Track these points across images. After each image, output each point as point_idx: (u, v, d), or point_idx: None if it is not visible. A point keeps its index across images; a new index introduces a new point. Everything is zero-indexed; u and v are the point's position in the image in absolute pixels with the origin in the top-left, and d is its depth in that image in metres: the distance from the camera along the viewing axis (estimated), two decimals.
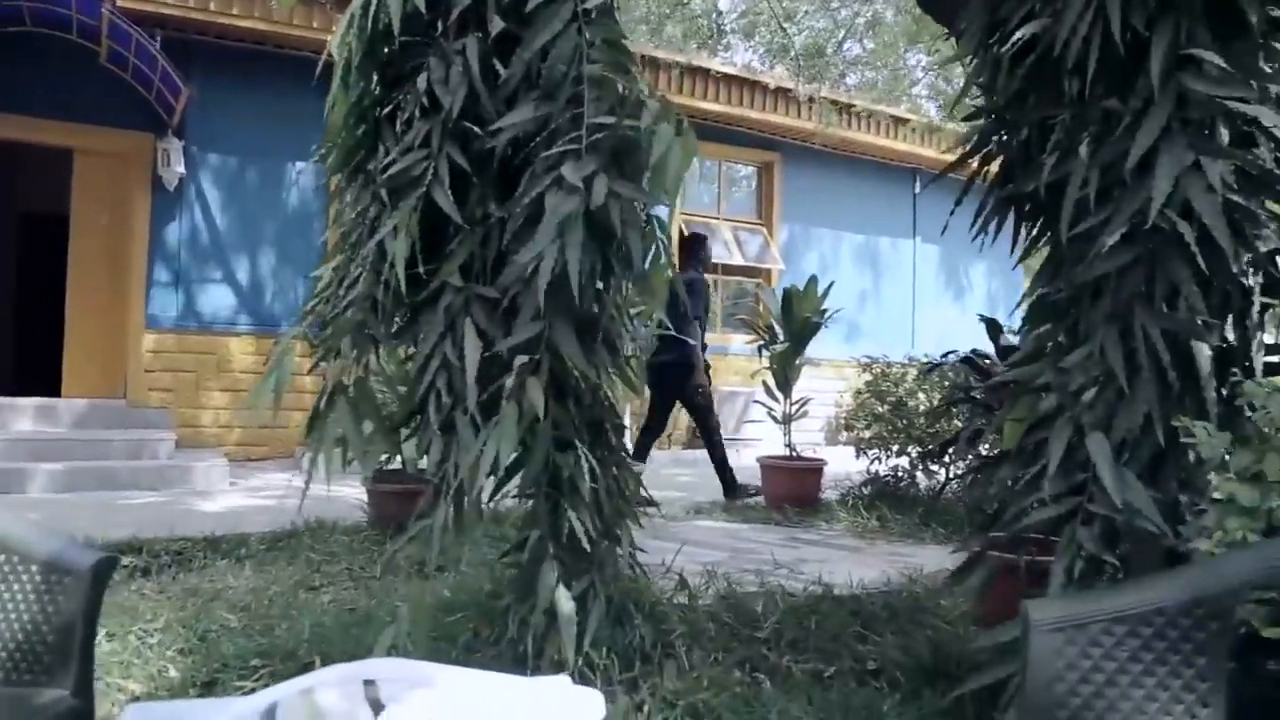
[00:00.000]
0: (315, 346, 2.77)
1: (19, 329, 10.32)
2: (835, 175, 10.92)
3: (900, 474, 5.71)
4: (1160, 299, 2.11)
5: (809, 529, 5.21)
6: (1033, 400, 2.40)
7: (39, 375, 8.26)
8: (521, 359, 2.45)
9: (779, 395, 5.69)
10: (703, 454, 9.80)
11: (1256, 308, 2.14)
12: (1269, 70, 2.09)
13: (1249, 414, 1.91)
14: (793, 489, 5.53)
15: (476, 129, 2.56)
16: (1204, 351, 2.08)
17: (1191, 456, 2.04)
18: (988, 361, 3.40)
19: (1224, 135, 2.09)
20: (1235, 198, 2.04)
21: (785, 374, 5.58)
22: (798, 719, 2.52)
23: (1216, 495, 1.81)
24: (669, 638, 2.92)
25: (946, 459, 4.81)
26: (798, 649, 3.08)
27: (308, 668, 2.78)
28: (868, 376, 6.00)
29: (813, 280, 5.52)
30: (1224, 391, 2.03)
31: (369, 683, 1.30)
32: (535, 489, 2.67)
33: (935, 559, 4.48)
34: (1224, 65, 1.98)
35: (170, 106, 7.53)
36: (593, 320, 2.60)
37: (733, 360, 10.71)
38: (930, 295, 12.62)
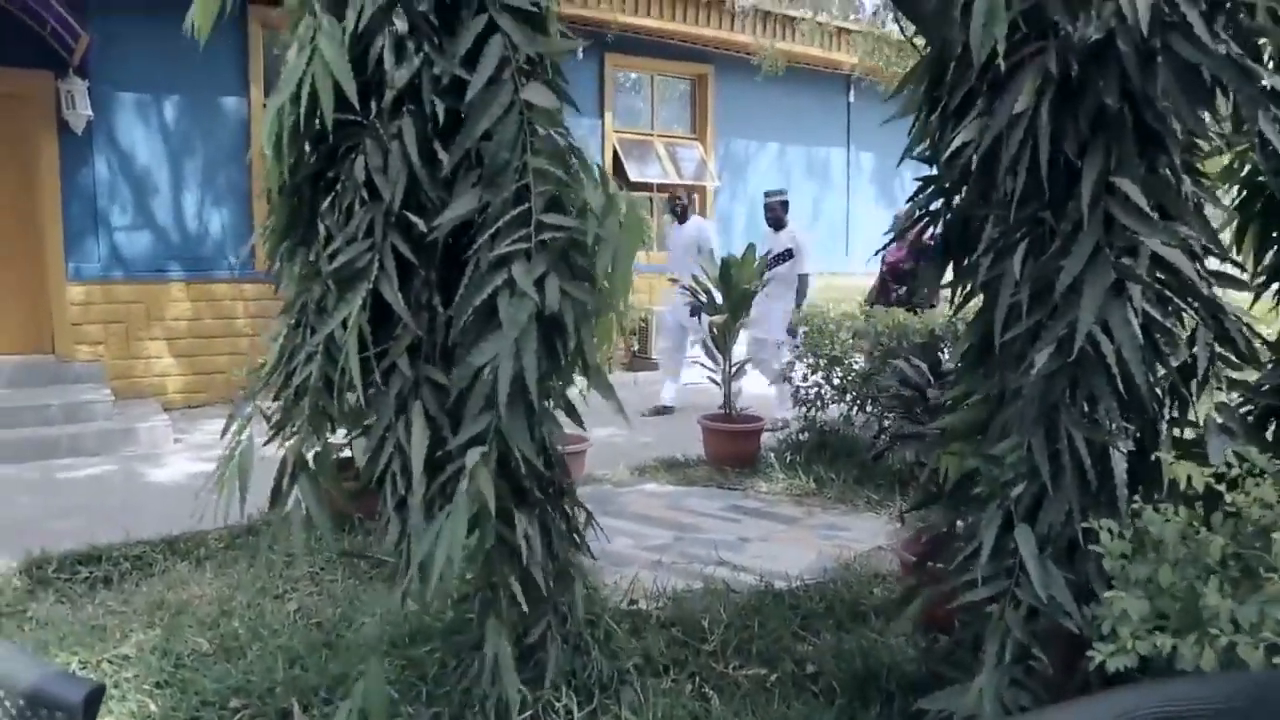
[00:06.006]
0: (270, 421, 2.78)
1: None
2: (768, 86, 10.76)
3: (836, 425, 5.95)
4: (1081, 401, 2.26)
5: (749, 494, 5.44)
6: (968, 446, 2.58)
7: None
8: (474, 452, 2.48)
9: (719, 357, 5.82)
10: (643, 375, 10.02)
11: (1166, 415, 2.30)
12: (1190, 194, 2.18)
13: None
14: (733, 450, 5.73)
15: (418, 220, 2.52)
16: (1119, 456, 2.25)
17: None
18: (918, 369, 3.57)
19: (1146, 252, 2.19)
20: (1154, 313, 2.17)
21: (725, 339, 5.69)
22: None
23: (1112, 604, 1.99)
24: (624, 666, 3.12)
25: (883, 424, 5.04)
26: (742, 654, 3.35)
27: (286, 715, 2.93)
28: (803, 328, 6.13)
29: (750, 249, 5.57)
30: (1136, 494, 2.19)
31: None
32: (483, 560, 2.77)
33: (868, 532, 4.77)
34: (1145, 209, 2.06)
35: (69, 46, 7.07)
36: (540, 406, 2.64)
37: None
38: (866, 203, 12.72)
